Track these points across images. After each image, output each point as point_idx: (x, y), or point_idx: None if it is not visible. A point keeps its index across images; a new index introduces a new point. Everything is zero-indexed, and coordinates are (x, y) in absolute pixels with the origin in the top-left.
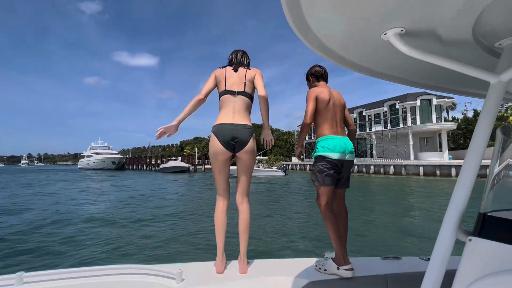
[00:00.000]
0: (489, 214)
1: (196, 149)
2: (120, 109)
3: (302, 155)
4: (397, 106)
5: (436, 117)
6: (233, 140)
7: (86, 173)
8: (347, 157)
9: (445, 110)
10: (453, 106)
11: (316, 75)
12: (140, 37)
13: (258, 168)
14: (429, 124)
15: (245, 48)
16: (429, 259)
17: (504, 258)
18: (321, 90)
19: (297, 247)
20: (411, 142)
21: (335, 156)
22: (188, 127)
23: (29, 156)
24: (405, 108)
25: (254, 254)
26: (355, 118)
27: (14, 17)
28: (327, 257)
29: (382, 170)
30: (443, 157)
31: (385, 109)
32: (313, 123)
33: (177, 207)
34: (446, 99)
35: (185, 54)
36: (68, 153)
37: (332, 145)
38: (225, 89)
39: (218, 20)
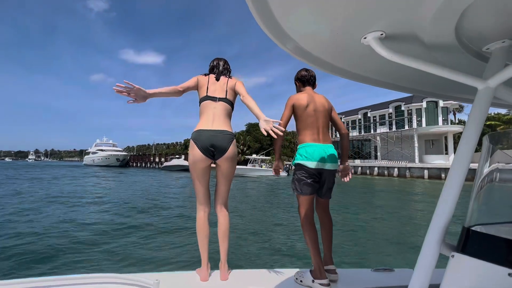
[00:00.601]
0: (473, 229)
1: None
2: (125, 106)
3: (281, 169)
4: (402, 108)
5: (443, 120)
6: (212, 146)
7: (90, 169)
8: (327, 166)
9: (452, 113)
10: (460, 109)
11: (302, 80)
12: (146, 35)
13: (260, 168)
14: (435, 127)
15: (250, 47)
16: None
17: (487, 277)
18: (299, 97)
19: (295, 254)
20: (416, 145)
21: (312, 164)
22: (192, 126)
23: (36, 152)
24: (411, 110)
25: (239, 263)
26: (359, 119)
27: (23, 14)
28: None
29: (386, 172)
30: (448, 160)
31: (390, 110)
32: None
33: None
34: (453, 102)
35: (190, 53)
36: (74, 149)
37: (310, 152)
38: (207, 95)
39: (224, 18)
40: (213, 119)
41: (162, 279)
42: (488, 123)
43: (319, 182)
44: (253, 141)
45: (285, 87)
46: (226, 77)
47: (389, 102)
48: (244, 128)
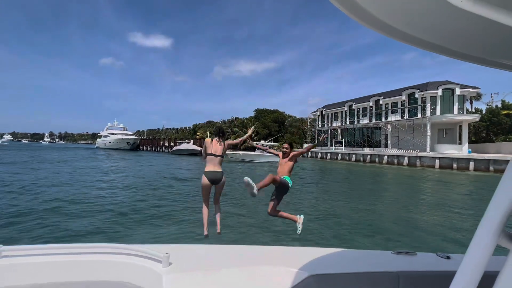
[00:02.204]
0: None
1: (208, 132)
2: (136, 91)
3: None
4: (416, 95)
5: (458, 108)
6: (213, 179)
7: (104, 152)
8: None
9: (469, 101)
10: (478, 97)
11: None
12: (154, 18)
13: (268, 154)
14: (450, 115)
15: (260, 31)
16: (448, 257)
17: None
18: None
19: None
20: (428, 133)
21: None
22: (201, 111)
23: (51, 134)
24: (425, 97)
25: (252, 239)
26: (371, 107)
27: None
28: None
29: (395, 161)
30: (461, 150)
31: (403, 98)
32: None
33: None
34: (470, 89)
35: (199, 37)
36: (87, 132)
37: None
38: (211, 153)
39: (234, 1)
40: (213, 165)
41: (171, 251)
42: (505, 112)
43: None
44: (262, 127)
45: (295, 72)
46: (222, 141)
47: (402, 89)
48: (252, 114)
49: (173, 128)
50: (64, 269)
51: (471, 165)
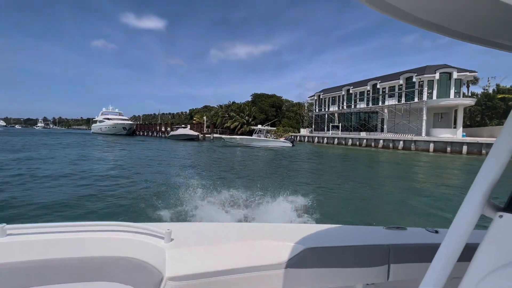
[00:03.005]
0: None
1: (205, 117)
2: (130, 75)
3: None
4: (414, 79)
5: (455, 92)
6: None
7: (101, 137)
8: None
9: (465, 85)
10: (475, 81)
11: None
12: None
13: (265, 139)
14: (446, 99)
15: (256, 13)
16: (436, 231)
17: None
18: None
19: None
20: (424, 117)
21: None
22: (197, 96)
23: (45, 120)
24: (422, 81)
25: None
26: (368, 91)
27: None
28: None
29: (391, 144)
30: (456, 134)
31: (401, 82)
32: None
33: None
34: (467, 73)
35: (194, 19)
36: (81, 117)
37: None
38: None
39: None
40: None
41: (173, 228)
42: (500, 96)
43: None
44: (259, 112)
45: (294, 56)
46: None
47: (400, 73)
48: (249, 99)
49: (169, 113)
50: (70, 246)
51: (464, 148)
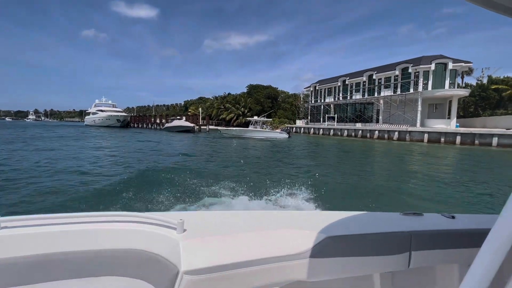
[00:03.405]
0: None
1: (200, 109)
2: (122, 66)
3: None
4: (409, 70)
5: (450, 83)
6: None
7: (97, 130)
8: None
9: (460, 76)
10: (469, 72)
11: None
12: None
13: (262, 130)
14: (441, 90)
15: (251, 2)
16: (453, 216)
17: None
18: None
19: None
20: (419, 108)
21: None
22: (192, 87)
23: (36, 112)
24: (418, 72)
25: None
26: (364, 82)
27: None
28: None
29: (386, 135)
30: (450, 125)
31: (397, 72)
32: None
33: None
34: (463, 64)
35: (187, 8)
36: (74, 109)
37: None
38: None
39: None
40: None
41: (185, 218)
42: (494, 87)
43: None
44: (254, 103)
45: (290, 46)
46: None
47: (396, 64)
48: (245, 90)
49: (164, 105)
50: (74, 238)
51: (458, 139)
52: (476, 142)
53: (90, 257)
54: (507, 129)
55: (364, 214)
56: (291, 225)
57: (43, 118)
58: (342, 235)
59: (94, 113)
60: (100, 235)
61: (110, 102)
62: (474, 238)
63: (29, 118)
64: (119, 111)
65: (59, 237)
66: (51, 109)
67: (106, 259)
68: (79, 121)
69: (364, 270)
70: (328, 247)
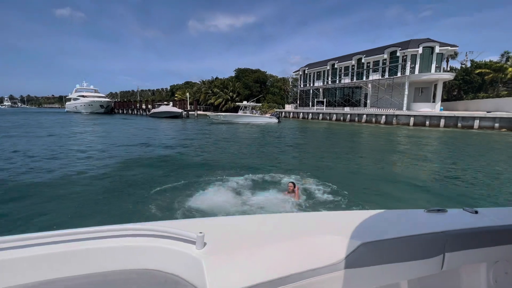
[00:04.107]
0: None
1: (187, 94)
2: (103, 48)
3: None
4: (398, 54)
5: (436, 67)
6: None
7: (82, 116)
8: None
9: (445, 60)
10: (454, 55)
11: None
12: None
13: (251, 115)
14: (427, 74)
15: None
16: (476, 211)
17: None
18: None
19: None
20: (406, 92)
21: None
22: (178, 72)
23: (11, 98)
24: (406, 56)
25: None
26: (353, 65)
27: None
28: None
29: (373, 119)
30: (435, 108)
31: (385, 56)
32: None
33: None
34: (449, 47)
35: None
36: (53, 95)
37: None
38: None
39: None
40: None
41: (205, 228)
42: (477, 71)
43: None
44: (243, 88)
45: (277, 28)
46: None
47: (384, 47)
48: (233, 74)
49: (149, 90)
50: (73, 260)
51: (442, 122)
52: (459, 125)
53: (97, 282)
54: (487, 112)
55: (388, 212)
56: (320, 230)
57: (19, 104)
58: (375, 241)
59: (75, 99)
60: (108, 254)
61: (92, 87)
62: (502, 235)
63: (4, 105)
64: (102, 97)
65: (59, 259)
66: (28, 95)
67: (116, 283)
68: (59, 107)
69: (396, 277)
70: (363, 255)
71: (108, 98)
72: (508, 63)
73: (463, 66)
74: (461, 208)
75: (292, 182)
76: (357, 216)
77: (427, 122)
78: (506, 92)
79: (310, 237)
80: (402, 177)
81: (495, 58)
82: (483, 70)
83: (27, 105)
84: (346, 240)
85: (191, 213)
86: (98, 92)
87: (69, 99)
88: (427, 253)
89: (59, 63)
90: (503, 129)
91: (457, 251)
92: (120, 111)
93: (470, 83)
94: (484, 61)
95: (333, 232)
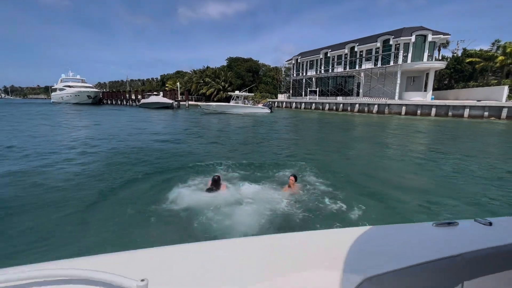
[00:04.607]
0: None
1: (178, 84)
2: (90, 37)
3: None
4: (391, 42)
5: (428, 55)
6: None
7: (68, 107)
8: None
9: (437, 48)
10: (446, 44)
11: None
12: None
13: (244, 105)
14: (420, 63)
15: None
16: (490, 223)
17: None
18: None
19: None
20: (398, 81)
21: None
22: (169, 61)
23: None
24: (399, 44)
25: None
26: (346, 54)
27: None
28: None
29: (366, 109)
30: (426, 97)
31: (378, 44)
32: None
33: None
34: (441, 36)
35: None
36: (38, 85)
37: None
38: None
39: None
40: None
41: (149, 274)
42: (468, 60)
43: None
44: (235, 77)
45: (270, 16)
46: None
47: (377, 35)
48: (225, 63)
49: (139, 80)
50: None
51: (433, 111)
52: (450, 113)
53: None
54: (477, 101)
55: (392, 228)
56: (312, 258)
57: (3, 95)
58: (382, 274)
59: (61, 89)
60: None
61: (78, 77)
62: None
63: None
64: (89, 87)
65: None
66: (12, 85)
67: None
68: (45, 98)
69: None
70: None
71: (97, 88)
72: (499, 51)
73: (455, 55)
74: (472, 219)
75: (294, 175)
76: (356, 235)
77: (419, 111)
78: (495, 81)
79: (299, 273)
80: (397, 164)
81: (486, 47)
82: (473, 59)
83: (11, 96)
84: (345, 275)
85: (169, 218)
86: (85, 82)
87: (55, 90)
88: (445, 284)
89: (44, 52)
90: (492, 118)
91: (476, 278)
92: (109, 102)
93: (461, 72)
94: (475, 50)
95: (329, 262)
